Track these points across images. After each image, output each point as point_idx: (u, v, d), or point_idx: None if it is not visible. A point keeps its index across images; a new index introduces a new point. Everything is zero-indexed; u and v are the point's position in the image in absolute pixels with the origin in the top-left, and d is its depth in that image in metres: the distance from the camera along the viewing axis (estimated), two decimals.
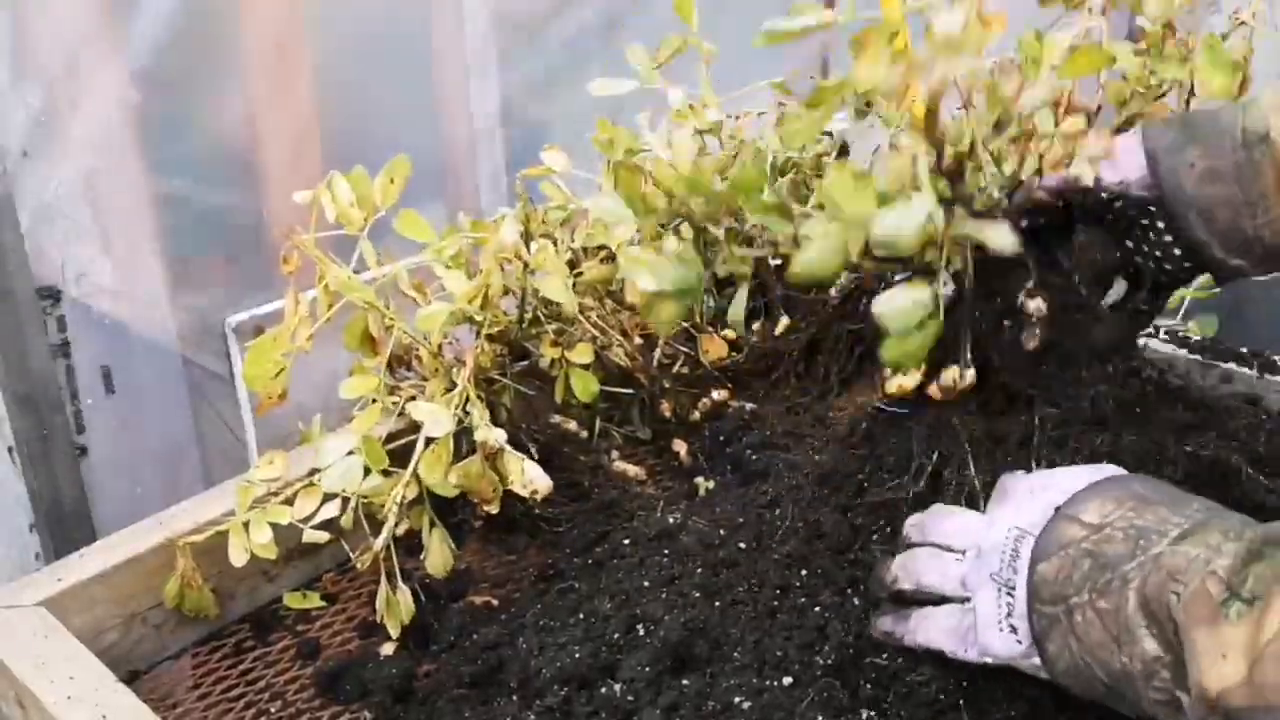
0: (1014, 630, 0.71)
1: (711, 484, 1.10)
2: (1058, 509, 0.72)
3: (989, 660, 0.73)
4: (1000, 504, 0.78)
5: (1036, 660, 0.71)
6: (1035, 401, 0.85)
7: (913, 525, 0.82)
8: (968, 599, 0.75)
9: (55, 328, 1.33)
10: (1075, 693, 0.70)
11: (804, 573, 0.86)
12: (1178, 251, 0.86)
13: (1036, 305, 0.82)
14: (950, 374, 0.83)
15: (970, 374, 0.83)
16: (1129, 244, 0.88)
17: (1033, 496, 0.75)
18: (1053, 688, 0.73)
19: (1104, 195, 0.86)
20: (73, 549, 0.94)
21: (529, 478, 0.97)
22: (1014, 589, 0.71)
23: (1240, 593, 0.60)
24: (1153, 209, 0.85)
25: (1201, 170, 0.82)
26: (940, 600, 0.77)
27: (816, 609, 0.83)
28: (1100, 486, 0.72)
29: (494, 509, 0.99)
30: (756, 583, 0.87)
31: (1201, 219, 0.83)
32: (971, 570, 0.75)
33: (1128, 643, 0.65)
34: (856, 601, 0.82)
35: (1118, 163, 0.85)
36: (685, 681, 0.80)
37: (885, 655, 0.79)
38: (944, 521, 0.79)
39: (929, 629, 0.77)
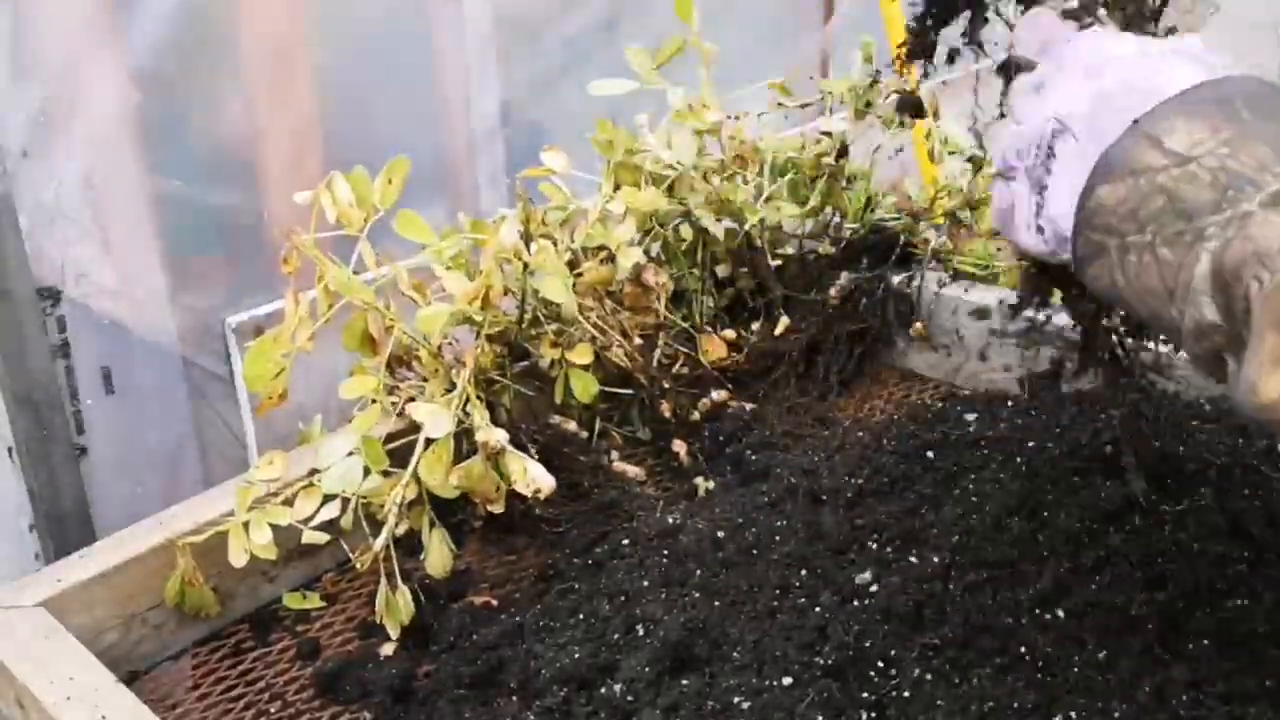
0: (1041, 231, 0.64)
1: (711, 484, 1.10)
2: (1136, 121, 0.59)
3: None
4: (1049, 76, 0.66)
5: (1067, 257, 0.64)
6: None
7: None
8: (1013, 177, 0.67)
9: (55, 328, 1.33)
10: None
11: (804, 573, 0.86)
12: None
13: None
14: None
15: None
16: None
17: (1088, 79, 0.63)
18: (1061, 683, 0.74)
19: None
20: (73, 549, 0.94)
21: (532, 477, 0.97)
22: (1045, 190, 0.63)
23: None
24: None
25: None
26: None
27: (816, 609, 0.83)
28: (1192, 99, 0.59)
29: (499, 509, 0.99)
30: (756, 583, 0.87)
31: None
32: (1012, 148, 0.67)
33: (1184, 302, 0.57)
34: (856, 602, 0.82)
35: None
36: (685, 681, 0.80)
37: (885, 656, 0.79)
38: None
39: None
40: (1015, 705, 0.74)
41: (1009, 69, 0.70)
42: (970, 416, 1.04)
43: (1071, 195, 0.62)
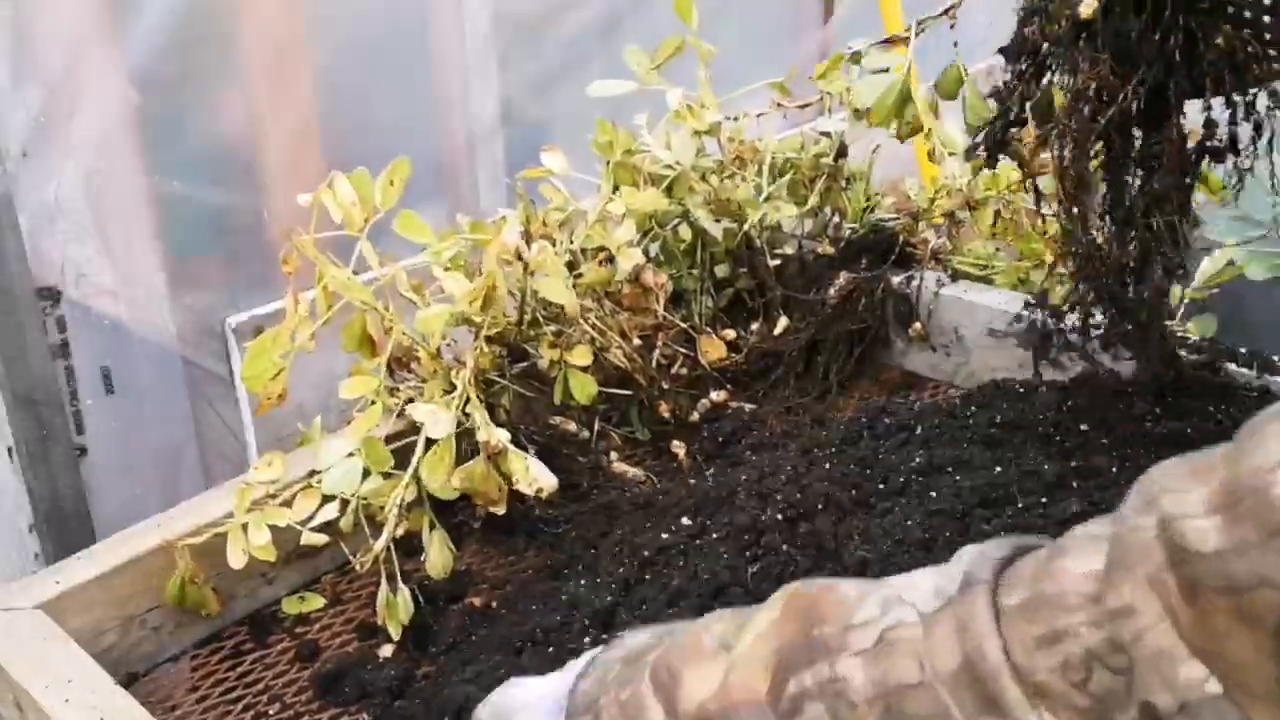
0: None
1: (711, 485, 1.10)
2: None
3: None
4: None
5: None
6: None
7: None
8: None
9: (55, 328, 1.33)
10: None
11: (803, 574, 0.86)
12: None
13: None
14: None
15: None
16: None
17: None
18: None
19: None
20: (72, 550, 0.94)
21: (534, 476, 0.97)
22: None
23: (730, 643, 0.59)
24: None
25: None
26: None
27: None
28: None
29: (500, 509, 0.99)
30: (756, 584, 0.87)
31: None
32: None
33: None
34: None
35: None
36: None
37: None
38: None
39: None
40: None
41: None
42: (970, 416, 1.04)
43: None
